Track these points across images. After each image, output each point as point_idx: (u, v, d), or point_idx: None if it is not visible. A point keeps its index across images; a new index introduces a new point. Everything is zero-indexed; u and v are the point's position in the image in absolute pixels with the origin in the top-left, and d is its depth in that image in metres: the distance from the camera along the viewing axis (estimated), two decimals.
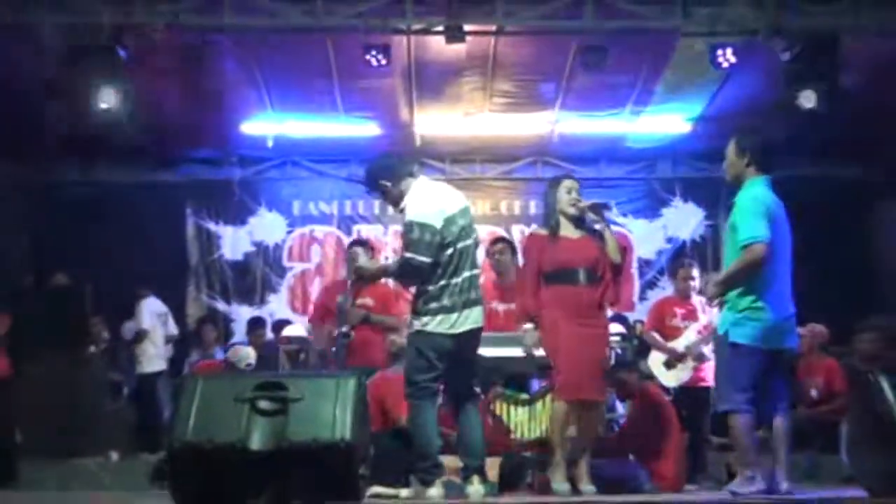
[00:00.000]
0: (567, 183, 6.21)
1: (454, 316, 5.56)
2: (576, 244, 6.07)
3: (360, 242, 8.68)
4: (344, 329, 7.36)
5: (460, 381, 5.71)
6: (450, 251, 5.59)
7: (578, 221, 6.14)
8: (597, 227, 6.15)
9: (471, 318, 5.61)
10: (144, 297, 10.41)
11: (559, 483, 5.95)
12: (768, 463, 5.46)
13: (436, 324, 5.55)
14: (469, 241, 5.70)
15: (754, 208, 5.36)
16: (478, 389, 6.36)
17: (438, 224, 5.55)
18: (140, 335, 10.26)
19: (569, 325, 5.92)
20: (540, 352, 6.15)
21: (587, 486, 5.95)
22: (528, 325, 6.06)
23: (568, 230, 6.11)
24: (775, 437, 5.44)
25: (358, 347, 7.42)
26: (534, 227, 6.58)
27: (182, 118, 10.34)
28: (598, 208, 6.16)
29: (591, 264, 6.02)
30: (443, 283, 5.56)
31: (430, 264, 5.52)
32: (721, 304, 5.54)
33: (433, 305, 5.55)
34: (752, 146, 5.57)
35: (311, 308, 11.28)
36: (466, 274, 5.63)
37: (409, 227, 5.58)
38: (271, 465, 4.56)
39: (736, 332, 5.36)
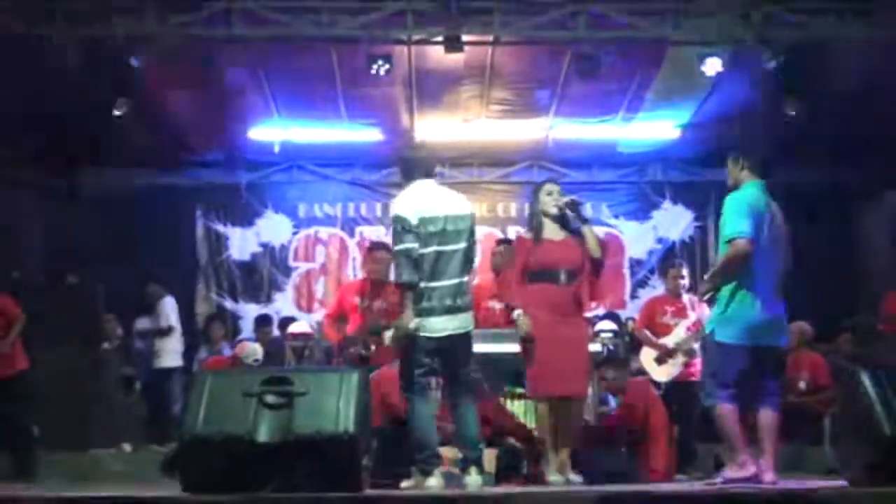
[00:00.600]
0: (548, 186, 6.25)
1: (433, 320, 5.54)
2: (559, 246, 6.09)
3: (381, 245, 8.53)
4: (362, 351, 7.41)
5: (455, 378, 5.72)
6: (423, 251, 5.54)
7: (563, 223, 6.15)
8: (578, 225, 6.15)
9: (453, 324, 5.58)
10: (164, 296, 10.43)
11: (553, 475, 5.98)
12: (753, 454, 5.48)
13: (416, 324, 5.54)
14: (454, 247, 5.61)
15: (738, 207, 5.40)
16: (486, 386, 6.38)
17: (413, 220, 5.53)
18: (167, 330, 10.27)
19: (547, 323, 5.95)
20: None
21: (573, 476, 5.98)
22: (518, 311, 6.04)
23: (552, 232, 6.13)
24: (762, 429, 5.45)
25: (382, 351, 7.44)
26: (522, 230, 6.56)
27: (192, 124, 10.36)
28: (574, 205, 6.16)
29: (572, 266, 6.04)
30: (423, 285, 5.54)
31: (408, 251, 5.50)
32: (712, 300, 5.56)
33: (415, 307, 5.56)
34: (746, 153, 5.64)
35: (317, 305, 11.44)
36: (452, 281, 5.57)
37: (391, 221, 5.72)
38: (277, 457, 4.58)
39: (721, 331, 5.38)
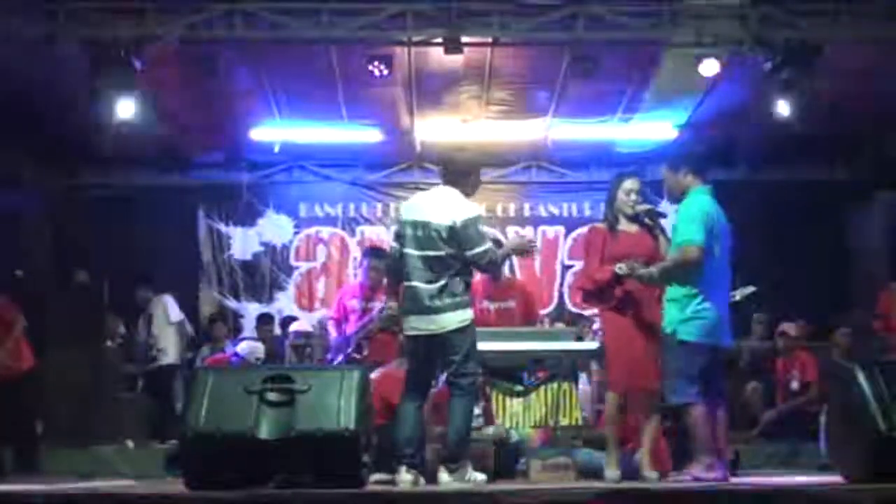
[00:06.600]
0: (628, 184, 6.13)
1: (408, 319, 5.67)
2: (633, 238, 6.04)
3: (376, 253, 8.54)
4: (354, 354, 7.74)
5: (447, 377, 5.73)
6: (406, 251, 5.66)
7: (634, 218, 6.11)
8: (652, 232, 6.09)
9: (428, 325, 5.58)
10: (151, 298, 10.35)
11: (611, 471, 5.91)
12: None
13: (402, 323, 5.78)
14: (433, 252, 5.58)
15: (695, 215, 5.55)
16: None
17: (401, 220, 5.83)
18: (173, 325, 10.25)
19: (625, 317, 5.89)
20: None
21: (648, 473, 5.89)
22: (620, 264, 5.83)
23: (626, 225, 6.08)
24: (716, 428, 5.55)
25: (377, 348, 7.67)
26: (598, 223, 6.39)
27: (194, 125, 10.35)
28: (654, 215, 6.11)
29: (648, 257, 5.93)
30: (404, 284, 5.68)
31: (390, 248, 5.93)
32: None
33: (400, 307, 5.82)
34: (687, 160, 5.85)
35: (318, 304, 11.48)
36: (429, 284, 5.56)
37: None
38: (279, 454, 4.58)
39: (683, 330, 5.51)
